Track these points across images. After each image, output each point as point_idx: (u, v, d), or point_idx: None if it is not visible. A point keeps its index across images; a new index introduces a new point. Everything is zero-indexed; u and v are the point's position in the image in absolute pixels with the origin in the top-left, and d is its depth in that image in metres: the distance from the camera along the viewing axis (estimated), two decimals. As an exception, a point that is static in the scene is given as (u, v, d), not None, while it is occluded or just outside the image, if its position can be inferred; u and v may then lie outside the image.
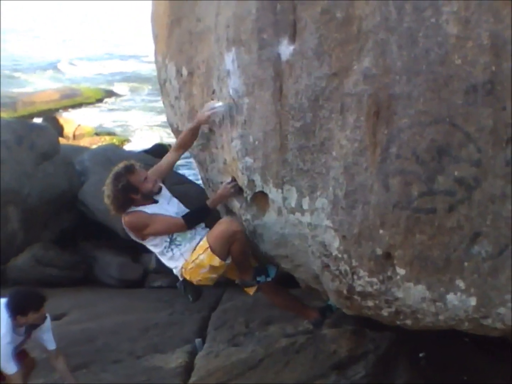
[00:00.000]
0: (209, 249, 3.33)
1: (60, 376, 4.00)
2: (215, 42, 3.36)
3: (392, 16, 2.55)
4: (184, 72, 3.73)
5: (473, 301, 2.56)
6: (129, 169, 3.41)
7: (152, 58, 4.42)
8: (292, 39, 2.92)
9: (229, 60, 3.19)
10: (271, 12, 2.96)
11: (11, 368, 3.61)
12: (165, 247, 3.50)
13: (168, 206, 3.50)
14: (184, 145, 3.68)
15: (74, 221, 8.06)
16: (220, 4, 3.30)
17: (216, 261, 3.35)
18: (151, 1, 4.36)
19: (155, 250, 3.56)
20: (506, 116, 2.36)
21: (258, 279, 3.60)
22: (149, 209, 3.44)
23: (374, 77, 2.62)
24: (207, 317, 5.60)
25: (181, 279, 3.60)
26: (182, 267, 3.48)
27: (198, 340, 5.06)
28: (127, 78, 23.28)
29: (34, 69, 24.72)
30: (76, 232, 8.03)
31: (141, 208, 3.44)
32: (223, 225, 3.37)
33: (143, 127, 17.62)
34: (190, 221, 3.43)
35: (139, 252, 7.56)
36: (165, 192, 3.60)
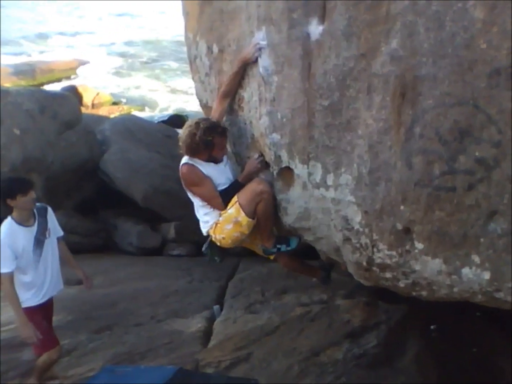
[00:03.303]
0: (237, 203, 3.50)
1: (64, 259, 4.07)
2: (246, 21, 3.41)
3: (420, -1, 2.59)
4: (215, 49, 3.79)
5: (487, 275, 2.63)
6: (223, 132, 3.55)
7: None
8: (322, 19, 2.96)
9: (260, 38, 3.24)
10: (302, -8, 2.99)
11: (3, 267, 3.54)
12: (206, 204, 3.66)
13: (221, 175, 3.63)
14: (230, 92, 3.64)
15: (95, 189, 8.18)
16: (251, -17, 3.33)
17: (242, 216, 3.50)
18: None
19: (195, 201, 3.71)
20: (526, 99, 2.38)
21: (278, 246, 3.78)
22: (207, 169, 3.57)
23: (401, 59, 2.66)
24: (224, 286, 5.78)
25: (205, 234, 3.77)
26: (214, 223, 3.65)
27: (216, 307, 5.25)
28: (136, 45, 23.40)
29: (46, 37, 24.74)
30: (97, 200, 8.16)
31: (200, 164, 3.57)
32: (253, 183, 3.52)
33: (158, 91, 17.94)
34: (227, 201, 3.58)
35: (158, 221, 7.76)
36: (224, 158, 3.70)
